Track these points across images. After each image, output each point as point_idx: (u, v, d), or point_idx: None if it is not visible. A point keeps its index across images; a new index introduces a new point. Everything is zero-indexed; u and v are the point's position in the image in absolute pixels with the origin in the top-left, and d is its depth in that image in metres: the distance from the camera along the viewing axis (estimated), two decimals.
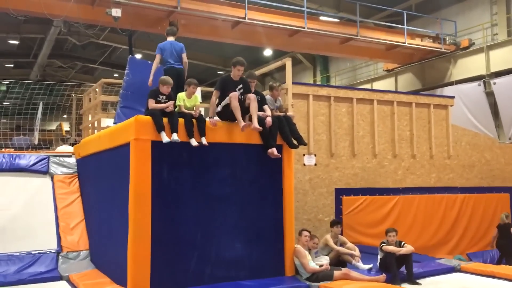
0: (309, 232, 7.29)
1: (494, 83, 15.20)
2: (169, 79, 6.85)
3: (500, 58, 16.03)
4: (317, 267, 6.87)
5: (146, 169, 6.23)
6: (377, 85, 20.42)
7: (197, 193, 6.56)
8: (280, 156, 6.96)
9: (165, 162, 6.41)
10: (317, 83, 23.92)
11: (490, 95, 15.63)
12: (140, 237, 6.10)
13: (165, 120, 6.36)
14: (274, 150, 6.87)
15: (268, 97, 7.62)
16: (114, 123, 8.63)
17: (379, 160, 10.50)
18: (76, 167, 9.24)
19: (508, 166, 12.34)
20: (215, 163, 6.74)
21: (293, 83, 9.24)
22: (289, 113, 7.87)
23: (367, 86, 20.62)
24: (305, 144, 7.59)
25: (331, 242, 7.79)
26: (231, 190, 6.80)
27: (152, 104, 6.53)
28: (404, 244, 7.27)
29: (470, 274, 7.51)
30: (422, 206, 10.74)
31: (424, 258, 8.49)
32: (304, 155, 9.55)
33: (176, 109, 6.69)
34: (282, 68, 9.41)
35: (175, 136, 6.29)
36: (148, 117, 6.35)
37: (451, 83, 17.34)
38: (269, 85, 7.82)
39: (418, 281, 7.01)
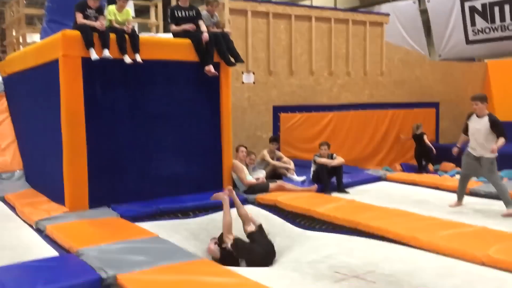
0: (246, 148, 7.50)
1: (428, 1, 15.47)
2: None
3: None
4: (254, 180, 7.18)
5: (78, 87, 6.04)
6: (317, 1, 20.23)
7: (132, 112, 6.50)
8: (217, 73, 6.94)
9: (98, 79, 6.22)
10: None
11: (424, 12, 15.96)
12: (75, 155, 6.07)
13: (95, 35, 6.07)
14: (211, 68, 6.84)
15: (204, 12, 7.40)
16: (40, 39, 8.14)
17: (316, 77, 10.71)
18: (2, 86, 8.75)
19: (436, 82, 12.98)
20: (151, 80, 6.63)
21: None
22: (226, 29, 7.73)
23: (307, 2, 20.38)
24: (242, 62, 7.57)
25: (267, 157, 8.10)
26: (168, 108, 6.77)
27: (80, 19, 6.16)
28: (335, 156, 7.67)
29: (395, 183, 8.13)
30: (355, 122, 11.24)
31: (354, 170, 9.05)
32: (242, 73, 9.55)
33: (107, 24, 6.37)
34: None
35: (106, 53, 6.06)
36: (77, 32, 6.03)
37: (387, 0, 17.49)
38: (205, 0, 7.56)
39: (347, 190, 7.52)
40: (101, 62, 6.04)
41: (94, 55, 5.95)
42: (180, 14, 7.02)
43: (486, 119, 5.89)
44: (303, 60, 10.50)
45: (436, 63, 13.45)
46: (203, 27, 6.99)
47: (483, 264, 4.00)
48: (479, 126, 5.91)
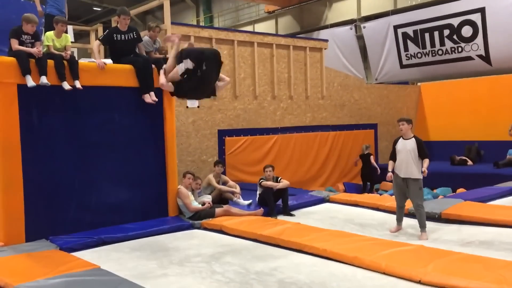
0: (193, 174, 7.47)
1: (364, 27, 16.26)
2: (33, 16, 6.26)
3: (370, 3, 17.13)
4: (200, 206, 7.13)
5: (13, 115, 5.82)
6: (259, 27, 20.71)
7: (72, 140, 6.31)
8: (155, 101, 6.80)
9: (35, 107, 6.02)
10: (201, 23, 23.50)
11: (360, 38, 16.74)
12: (10, 187, 5.81)
13: (32, 61, 5.89)
14: (146, 96, 6.76)
15: (146, 38, 7.38)
16: None
17: (260, 101, 10.89)
18: None
19: (374, 105, 13.57)
20: (92, 107, 6.49)
21: (173, 23, 9.02)
22: (169, 55, 7.72)
23: (249, 28, 20.82)
24: None
25: (213, 181, 8.09)
26: (110, 135, 6.64)
27: (15, 45, 5.96)
28: (280, 179, 7.79)
29: (337, 204, 8.34)
30: (298, 144, 11.50)
31: (298, 191, 9.21)
32: None
33: (44, 49, 6.21)
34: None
35: (43, 79, 5.88)
36: (12, 59, 5.83)
37: (326, 27, 18.21)
38: (147, 25, 7.55)
39: (293, 212, 7.62)
40: (39, 89, 5.85)
41: (30, 82, 5.76)
42: (119, 38, 6.87)
43: (412, 141, 6.20)
44: (246, 84, 10.67)
45: (373, 87, 14.08)
46: (142, 50, 6.99)
47: (420, 282, 4.17)
48: (406, 148, 6.18)
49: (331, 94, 12.40)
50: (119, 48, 6.87)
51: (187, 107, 9.61)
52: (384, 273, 4.48)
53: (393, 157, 6.41)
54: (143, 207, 6.88)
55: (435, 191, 10.27)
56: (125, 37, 6.89)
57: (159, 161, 7.13)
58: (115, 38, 6.85)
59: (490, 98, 13.11)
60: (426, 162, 6.11)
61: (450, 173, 11.32)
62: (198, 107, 9.80)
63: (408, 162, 6.11)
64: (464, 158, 12.45)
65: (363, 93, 13.30)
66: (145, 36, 7.42)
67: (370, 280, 4.38)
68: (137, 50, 7.05)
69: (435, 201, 7.63)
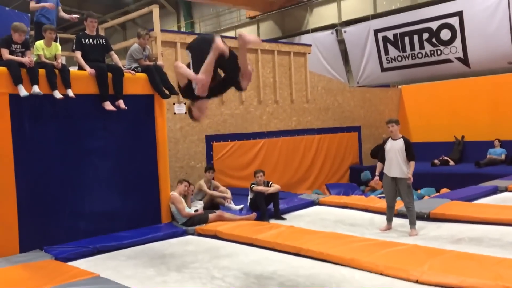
0: (189, 182, 7.50)
1: (345, 32, 16.50)
2: (22, 25, 6.22)
3: (351, 8, 17.40)
4: (193, 212, 7.16)
5: (5, 125, 5.78)
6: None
7: (65, 148, 6.29)
8: (115, 109, 6.63)
9: (27, 116, 5.99)
10: (181, 29, 23.47)
11: (341, 42, 16.98)
12: (3, 196, 5.76)
13: (23, 71, 5.85)
14: (106, 104, 6.59)
15: (135, 45, 7.39)
16: None
17: (246, 106, 10.97)
18: None
19: (357, 108, 13.79)
20: (84, 115, 6.48)
21: (161, 30, 9.02)
22: (159, 62, 7.75)
23: (231, 33, 20.88)
24: (176, 94, 7.60)
25: (204, 187, 8.13)
26: (102, 143, 6.63)
27: (6, 54, 5.92)
28: (271, 183, 7.87)
29: (327, 206, 8.47)
30: (284, 148, 11.61)
31: (287, 195, 9.30)
32: (174, 104, 9.56)
33: (35, 58, 6.18)
34: (146, 14, 9.10)
35: (36, 89, 5.86)
36: (3, 68, 5.78)
37: (307, 31, 18.40)
38: (137, 32, 7.55)
39: (284, 216, 7.72)
40: (30, 98, 5.83)
41: (23, 91, 5.73)
42: (87, 42, 6.76)
43: (401, 141, 6.39)
44: (232, 89, 10.69)
45: (355, 90, 14.30)
46: (115, 58, 7.00)
47: (417, 281, 4.28)
48: (394, 148, 6.37)
49: (315, 98, 12.55)
50: (86, 52, 6.72)
51: (175, 113, 9.63)
52: (381, 274, 4.58)
53: (381, 158, 6.58)
54: (136, 214, 6.88)
55: (419, 191, 10.48)
56: (92, 42, 6.80)
57: (151, 168, 7.14)
58: (84, 42, 6.73)
59: (469, 99, 13.45)
60: (412, 166, 6.29)
61: (432, 174, 11.57)
62: (186, 113, 9.80)
63: (397, 162, 6.29)
64: (445, 158, 12.74)
65: (346, 97, 13.50)
66: (134, 44, 7.43)
67: (369, 281, 4.48)
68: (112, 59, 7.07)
69: (422, 201, 7.83)
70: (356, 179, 12.70)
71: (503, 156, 12.06)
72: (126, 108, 6.70)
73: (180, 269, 5.21)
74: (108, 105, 6.58)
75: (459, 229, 6.21)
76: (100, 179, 6.58)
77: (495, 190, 8.58)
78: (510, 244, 5.41)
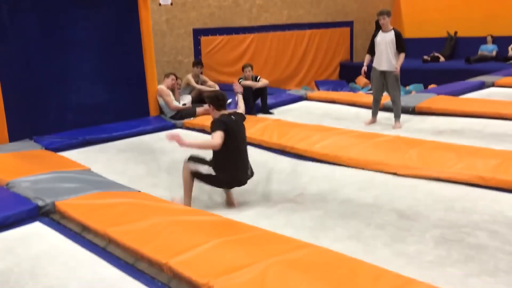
0: (176, 76, 7.42)
1: None
2: None
3: None
4: (181, 105, 7.19)
5: None
6: None
7: (48, 39, 6.12)
8: None
9: (5, 7, 5.71)
10: None
11: None
12: None
13: None
14: None
15: None
16: None
17: None
18: None
19: (350, 1, 13.29)
20: (66, 4, 6.19)
21: None
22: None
23: None
24: None
25: (192, 82, 8.07)
26: (85, 34, 6.45)
27: None
28: (259, 78, 7.83)
29: (315, 101, 8.52)
30: (274, 43, 11.38)
31: (276, 91, 9.32)
32: None
33: None
34: None
35: None
36: None
37: None
38: None
39: (271, 110, 7.79)
40: None
41: None
42: None
43: (391, 33, 6.26)
44: None
45: None
46: None
47: (395, 174, 4.37)
48: (385, 40, 6.26)
49: None
50: None
51: (160, 4, 9.26)
52: (362, 168, 4.57)
53: (371, 50, 6.49)
54: (124, 107, 6.91)
55: (407, 87, 10.53)
56: None
57: (137, 61, 7.02)
58: None
59: None
60: (401, 58, 6.21)
61: (422, 70, 11.52)
62: (171, 4, 9.46)
63: (387, 55, 6.22)
64: (436, 55, 12.61)
65: None
66: None
67: (349, 178, 4.46)
68: None
69: (409, 96, 7.90)
70: (346, 76, 12.65)
71: (494, 53, 11.96)
72: None
73: (170, 171, 5.03)
74: None
75: (442, 122, 6.34)
76: (84, 71, 6.50)
77: (482, 85, 8.63)
78: (490, 135, 5.56)
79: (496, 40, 12.13)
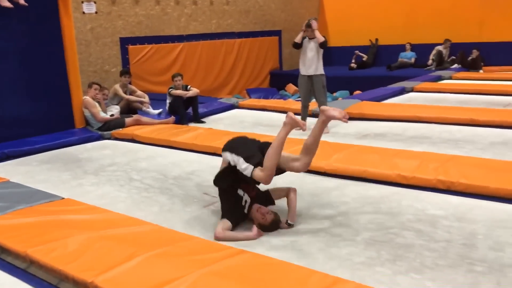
0: (99, 85, 7.18)
1: None
2: None
3: None
4: (108, 116, 6.98)
5: None
6: None
7: None
8: (12, 6, 6.02)
9: None
10: None
11: None
12: None
13: None
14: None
15: None
16: None
17: (162, 7, 10.42)
18: None
19: (277, 11, 13.60)
20: None
21: None
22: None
23: None
24: None
25: (120, 91, 7.87)
26: (4, 44, 6.09)
27: None
28: (190, 87, 7.78)
29: (246, 109, 8.61)
30: (204, 52, 11.38)
31: (207, 100, 9.30)
32: (82, 2, 8.86)
33: None
34: None
35: None
36: None
37: None
38: None
39: (203, 119, 7.76)
40: None
41: None
42: None
43: (316, 39, 6.50)
44: None
45: None
46: None
47: (325, 172, 4.60)
48: (310, 46, 6.49)
49: (235, 0, 12.16)
50: None
51: (84, 12, 8.97)
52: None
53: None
54: (48, 120, 6.57)
55: (334, 94, 10.93)
56: None
57: (60, 71, 6.71)
58: None
59: (386, 3, 13.70)
60: (321, 38, 6.43)
61: (348, 77, 12.02)
62: (96, 12, 9.19)
63: (313, 59, 6.44)
64: (360, 54, 13.30)
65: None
66: None
67: (280, 178, 4.61)
68: None
69: (335, 103, 8.19)
70: (276, 84, 12.90)
71: (412, 60, 12.73)
72: (27, 4, 6.10)
73: (97, 172, 5.13)
74: (3, 1, 5.94)
75: (366, 126, 6.63)
76: (4, 83, 6.12)
77: (402, 91, 9.15)
78: (409, 138, 5.90)
79: (414, 47, 12.92)
